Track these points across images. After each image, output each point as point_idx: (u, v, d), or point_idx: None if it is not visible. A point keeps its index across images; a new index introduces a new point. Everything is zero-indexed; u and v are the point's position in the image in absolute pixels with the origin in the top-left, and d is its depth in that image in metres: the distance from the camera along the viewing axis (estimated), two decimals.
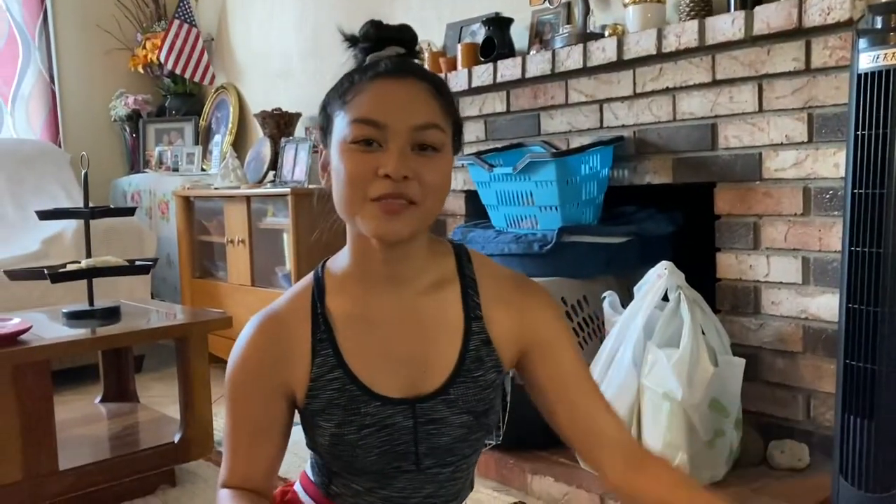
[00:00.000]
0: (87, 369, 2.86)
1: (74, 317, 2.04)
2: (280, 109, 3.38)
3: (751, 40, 1.79)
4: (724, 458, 1.73)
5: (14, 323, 1.81)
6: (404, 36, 0.96)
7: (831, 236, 1.74)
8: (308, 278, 1.00)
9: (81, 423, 2.15)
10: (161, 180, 3.72)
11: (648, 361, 1.71)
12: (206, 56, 3.91)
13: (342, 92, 0.92)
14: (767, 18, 1.74)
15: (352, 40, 0.97)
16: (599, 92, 2.15)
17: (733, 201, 1.91)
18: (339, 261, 0.99)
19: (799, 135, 1.77)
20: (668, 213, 2.17)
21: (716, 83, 1.90)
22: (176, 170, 3.83)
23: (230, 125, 3.88)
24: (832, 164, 1.72)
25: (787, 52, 1.75)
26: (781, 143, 1.80)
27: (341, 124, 0.90)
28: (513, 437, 1.90)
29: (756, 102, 1.83)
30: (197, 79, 3.93)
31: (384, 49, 0.94)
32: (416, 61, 0.96)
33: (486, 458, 1.95)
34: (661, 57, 1.97)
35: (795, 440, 1.81)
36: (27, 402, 1.73)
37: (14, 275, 2.05)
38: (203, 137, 4.04)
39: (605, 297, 1.92)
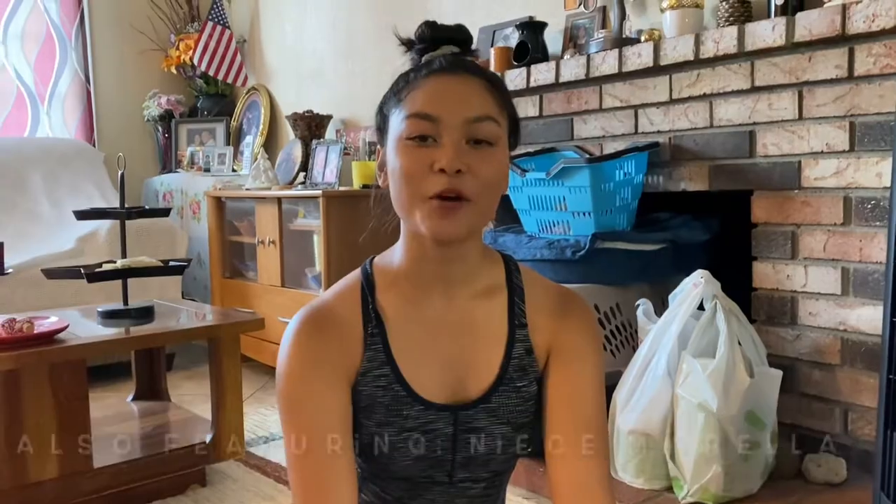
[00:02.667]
0: (119, 366, 2.89)
1: (109, 316, 2.06)
2: (311, 111, 3.39)
3: (791, 47, 1.77)
4: (758, 471, 1.71)
5: (51, 322, 1.83)
6: (459, 36, 0.95)
7: (872, 247, 1.70)
8: (355, 275, 0.99)
9: (114, 422, 2.17)
10: (193, 180, 3.75)
11: (683, 371, 1.69)
12: (238, 57, 3.94)
13: (397, 90, 0.92)
14: (809, 25, 1.71)
15: (407, 44, 0.97)
16: (634, 97, 2.13)
17: (771, 210, 1.88)
18: (390, 258, 0.98)
19: (840, 143, 1.73)
20: (703, 221, 2.15)
21: (754, 90, 1.87)
22: (207, 170, 3.86)
23: (261, 126, 3.91)
24: (874, 173, 1.68)
25: (829, 60, 1.72)
26: (822, 152, 1.77)
27: (396, 121, 0.90)
28: (542, 444, 1.88)
29: (796, 110, 1.80)
30: (229, 80, 3.96)
31: (439, 49, 0.94)
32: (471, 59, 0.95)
33: (515, 466, 1.94)
34: (698, 63, 1.95)
35: (832, 454, 1.77)
36: (63, 401, 1.75)
37: (51, 274, 2.08)
38: (234, 138, 4.07)
39: (638, 305, 1.90)
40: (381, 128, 0.95)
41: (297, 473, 0.89)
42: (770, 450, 1.73)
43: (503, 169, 0.91)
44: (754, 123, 1.89)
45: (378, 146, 0.97)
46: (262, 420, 2.57)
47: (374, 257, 1.00)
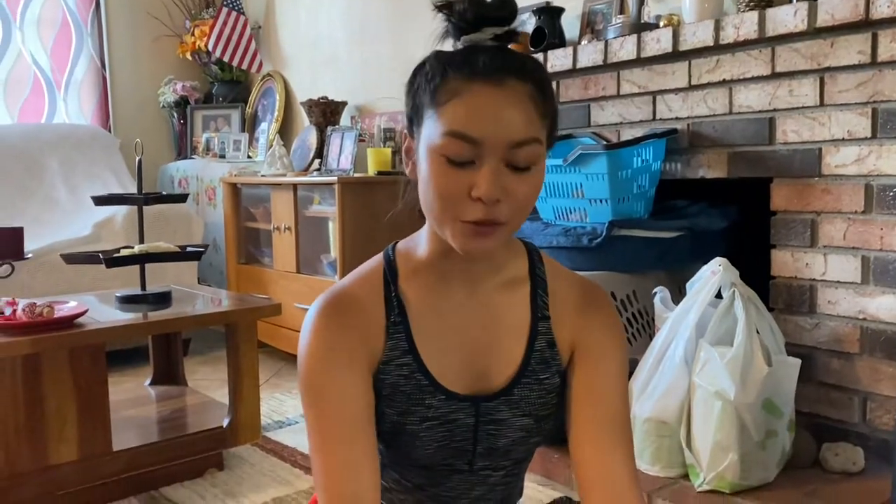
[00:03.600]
0: (137, 351, 2.92)
1: (127, 301, 2.08)
2: (326, 98, 3.39)
3: (813, 32, 1.74)
4: (775, 460, 1.70)
5: (70, 307, 1.85)
6: (504, 13, 0.86)
7: (894, 235, 1.69)
8: (377, 260, 0.97)
9: (132, 406, 2.19)
10: (208, 167, 3.76)
11: (701, 359, 1.69)
12: (253, 44, 3.94)
13: (434, 87, 0.84)
14: (832, 10, 1.69)
15: (445, 6, 0.86)
16: (653, 83, 2.12)
17: (790, 197, 1.86)
18: (414, 245, 0.96)
19: (862, 130, 1.71)
20: (721, 209, 2.13)
21: (775, 76, 1.85)
22: (223, 156, 3.87)
23: (276, 113, 3.91)
24: None
25: (851, 45, 1.70)
26: (843, 139, 1.75)
27: (432, 127, 0.84)
28: (559, 433, 1.88)
29: (817, 96, 1.78)
30: (244, 66, 3.96)
31: (481, 30, 0.85)
32: (513, 46, 0.88)
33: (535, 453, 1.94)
34: (718, 48, 1.93)
35: (850, 443, 1.76)
36: (83, 385, 1.77)
37: (70, 259, 2.09)
38: (249, 125, 4.08)
39: (655, 293, 1.90)
40: (412, 118, 0.89)
41: (319, 458, 0.88)
42: (787, 438, 1.72)
43: (539, 186, 0.87)
44: (774, 110, 1.87)
45: (405, 132, 0.92)
46: (279, 405, 2.59)
47: (396, 242, 0.98)
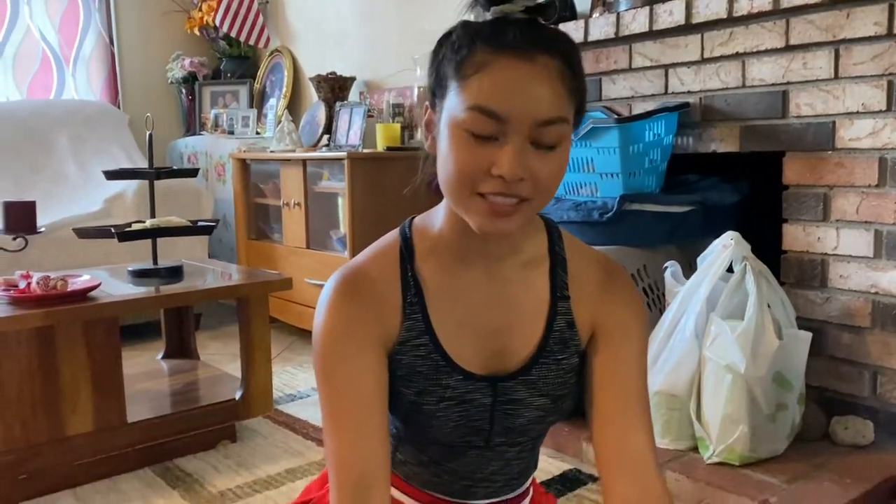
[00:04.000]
0: (149, 326, 2.94)
1: (140, 275, 2.09)
2: (335, 73, 3.38)
3: (829, 3, 1.72)
4: (785, 433, 1.71)
5: (84, 280, 1.86)
6: None
7: None
8: (393, 236, 0.95)
9: (145, 379, 2.21)
10: (217, 143, 3.76)
11: (711, 333, 1.69)
12: (261, 19, 3.92)
13: (460, 59, 0.81)
14: None
15: None
16: (665, 56, 2.10)
17: (803, 171, 1.85)
18: (431, 222, 0.94)
19: (877, 103, 1.70)
20: (733, 183, 2.12)
21: (789, 48, 1.83)
22: (231, 133, 3.87)
23: (285, 89, 3.89)
24: None
25: (868, 16, 1.68)
26: (857, 112, 1.74)
27: (456, 101, 0.81)
28: (573, 410, 1.90)
29: (832, 69, 1.77)
30: (252, 42, 3.94)
31: (512, 1, 0.81)
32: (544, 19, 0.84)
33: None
34: (731, 21, 1.91)
35: (860, 416, 1.77)
36: (97, 357, 1.78)
37: (82, 233, 2.10)
38: (257, 101, 4.06)
39: (666, 268, 1.90)
40: (434, 90, 0.86)
41: (332, 436, 0.88)
42: (797, 412, 1.73)
43: (564, 167, 0.84)
44: (788, 83, 1.85)
45: (426, 104, 0.89)
46: (290, 379, 2.61)
47: (413, 218, 0.97)
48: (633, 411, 0.93)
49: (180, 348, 2.44)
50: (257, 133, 3.84)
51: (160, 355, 2.45)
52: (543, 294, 0.95)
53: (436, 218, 0.94)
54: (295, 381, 2.59)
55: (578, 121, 0.87)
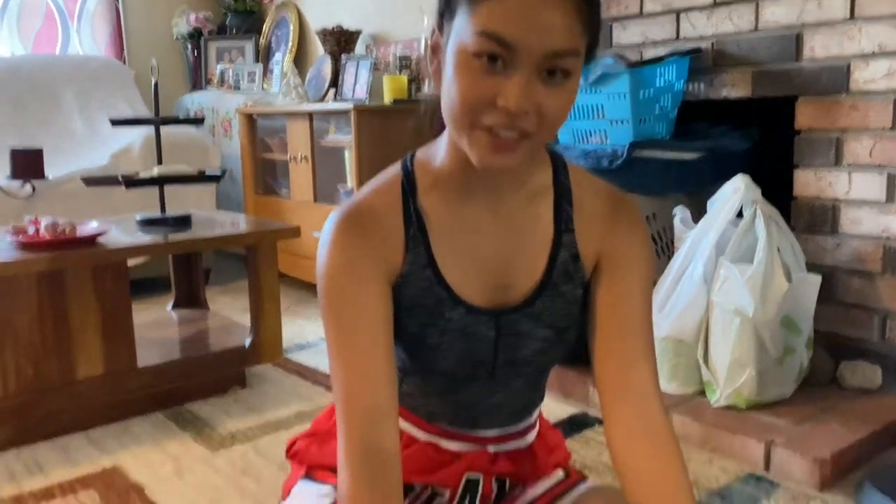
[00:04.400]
0: (157, 281, 2.95)
1: (148, 224, 2.09)
2: (340, 27, 3.34)
3: None
4: (792, 377, 1.71)
5: (92, 226, 1.86)
6: None
7: None
8: (394, 170, 0.94)
9: (156, 327, 2.22)
10: (223, 98, 3.74)
11: (720, 277, 1.68)
12: None
13: None
14: None
15: None
16: (676, 1, 2.06)
17: (816, 115, 1.83)
18: (433, 155, 0.92)
19: (893, 43, 1.67)
20: (744, 130, 2.10)
21: None
22: (238, 88, 3.84)
23: (290, 43, 3.85)
24: None
25: None
26: (873, 53, 1.70)
27: (464, 25, 0.78)
28: (576, 351, 1.90)
29: (847, 9, 1.73)
30: None
31: None
32: None
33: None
34: None
35: (868, 361, 1.77)
36: (106, 302, 1.79)
37: (90, 181, 2.10)
38: (263, 56, 4.03)
39: (675, 213, 1.88)
40: (443, 12, 0.83)
41: (339, 369, 0.88)
42: (805, 356, 1.73)
43: (571, 103, 0.81)
44: (802, 25, 1.82)
45: (434, 26, 0.86)
46: (300, 330, 2.62)
47: (415, 152, 0.95)
48: (635, 342, 0.92)
49: (189, 299, 2.45)
50: (263, 88, 3.82)
51: (170, 306, 2.46)
52: (548, 227, 0.93)
53: (438, 151, 0.92)
54: (304, 332, 2.60)
55: (590, 57, 0.84)
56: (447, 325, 0.92)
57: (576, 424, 1.77)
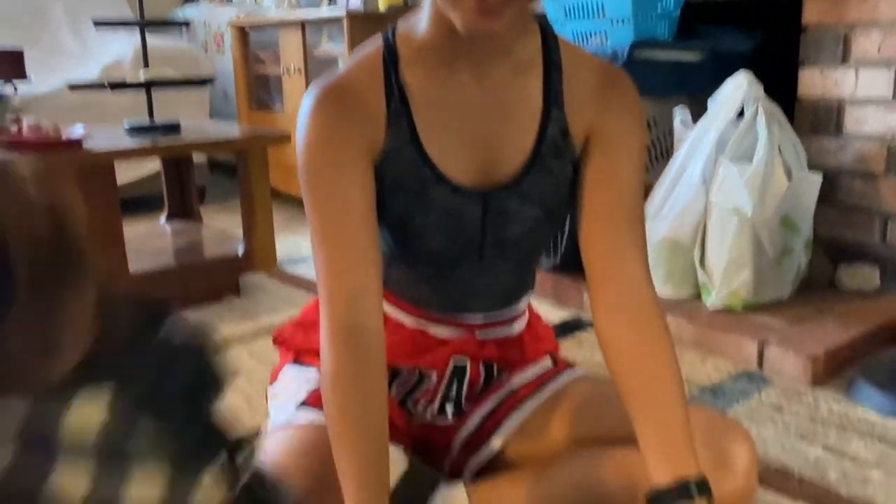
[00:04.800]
0: (149, 200, 2.92)
1: (136, 131, 2.05)
2: None
3: None
4: (790, 278, 1.69)
5: (78, 131, 1.82)
6: None
7: None
8: (375, 44, 0.90)
9: (148, 238, 2.21)
10: (215, 12, 3.64)
11: (719, 176, 1.64)
12: None
13: None
14: None
15: None
16: None
17: (823, 9, 1.75)
18: (416, 26, 0.88)
19: None
20: (748, 30, 2.02)
21: None
22: (230, 1, 3.74)
23: None
24: None
25: None
26: None
27: None
28: (570, 258, 1.88)
29: None
30: None
31: None
32: None
33: (543, 278, 1.95)
34: None
35: (867, 264, 1.75)
36: (95, 207, 1.77)
37: (76, 86, 2.05)
38: None
39: (676, 114, 1.83)
40: None
41: (322, 252, 0.86)
42: (803, 257, 1.70)
43: None
44: None
45: None
46: (294, 245, 2.60)
47: (396, 25, 0.91)
48: (626, 224, 0.89)
49: (183, 211, 2.42)
50: (256, 1, 3.71)
51: (163, 219, 2.44)
52: (536, 100, 0.90)
53: (420, 21, 0.88)
54: (298, 247, 2.59)
55: None
56: (432, 205, 0.89)
57: (569, 328, 1.77)
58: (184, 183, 2.39)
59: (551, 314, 1.84)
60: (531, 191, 0.91)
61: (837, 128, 1.78)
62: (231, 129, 2.22)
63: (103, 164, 1.76)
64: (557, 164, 0.92)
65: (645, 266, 0.91)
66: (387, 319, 1.06)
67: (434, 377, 1.06)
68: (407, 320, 1.05)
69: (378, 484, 0.80)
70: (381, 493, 0.80)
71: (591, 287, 0.92)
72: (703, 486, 0.81)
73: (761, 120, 1.63)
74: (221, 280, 2.03)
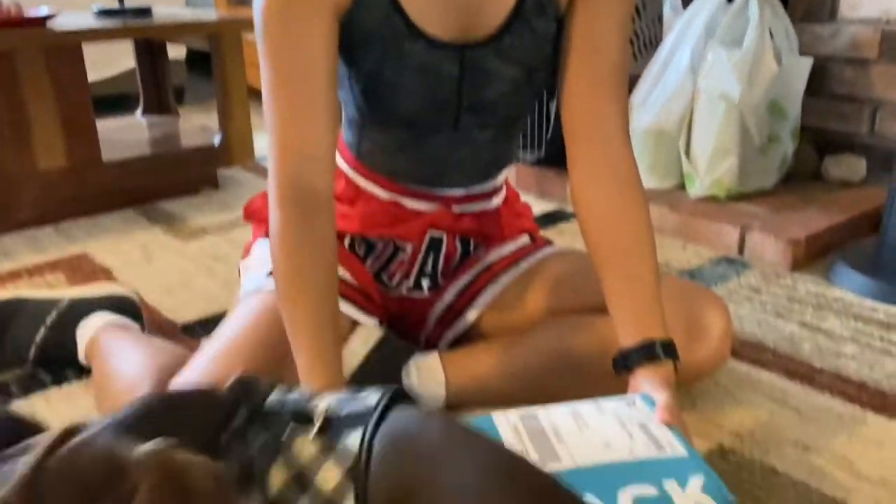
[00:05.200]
0: (125, 99, 2.83)
1: (105, 14, 1.96)
2: None
3: None
4: (775, 167, 1.67)
5: (42, 10, 1.74)
6: None
7: None
8: None
9: (123, 130, 2.14)
10: None
11: (708, 61, 1.60)
12: None
13: None
14: None
15: None
16: None
17: None
18: None
19: None
20: None
21: None
22: None
23: None
24: None
25: None
26: None
27: None
28: (554, 151, 1.85)
29: None
30: None
31: None
32: None
33: (527, 172, 1.92)
34: None
35: (854, 154, 1.72)
36: (63, 91, 1.70)
37: None
38: None
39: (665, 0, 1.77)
40: None
41: (274, 109, 0.81)
42: (790, 145, 1.67)
43: None
44: None
45: None
46: None
47: None
48: (608, 83, 0.87)
49: (159, 107, 2.35)
50: None
51: (138, 113, 2.37)
52: None
53: None
54: None
55: None
56: (406, 60, 0.85)
57: (551, 219, 1.75)
58: (159, 77, 2.31)
59: (535, 206, 1.80)
60: (511, 49, 0.88)
61: (832, 14, 1.72)
62: (206, 14, 2.13)
63: (70, 44, 1.69)
64: (540, 22, 0.88)
65: (625, 127, 0.88)
66: (359, 192, 1.03)
67: (409, 249, 1.04)
68: (381, 193, 1.02)
69: (331, 346, 0.78)
70: (334, 359, 0.78)
71: (569, 146, 0.89)
72: (670, 348, 0.80)
73: (753, 3, 1.58)
74: (199, 172, 1.98)
